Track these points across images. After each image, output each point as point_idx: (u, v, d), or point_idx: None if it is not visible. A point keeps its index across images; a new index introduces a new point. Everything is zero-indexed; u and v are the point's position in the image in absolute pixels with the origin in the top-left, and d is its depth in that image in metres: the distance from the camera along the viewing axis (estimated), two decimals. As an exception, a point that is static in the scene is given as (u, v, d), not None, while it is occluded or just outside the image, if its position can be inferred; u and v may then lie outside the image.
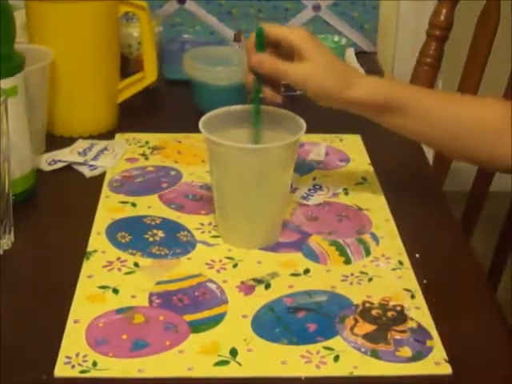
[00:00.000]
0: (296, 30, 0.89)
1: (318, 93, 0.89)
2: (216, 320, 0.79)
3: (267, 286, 0.84)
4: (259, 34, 0.87)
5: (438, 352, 0.76)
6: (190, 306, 0.81)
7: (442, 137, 0.93)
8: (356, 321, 0.79)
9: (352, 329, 0.78)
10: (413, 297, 0.83)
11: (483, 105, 0.94)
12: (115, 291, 0.83)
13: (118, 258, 0.88)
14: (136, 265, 0.87)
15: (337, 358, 0.75)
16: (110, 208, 0.98)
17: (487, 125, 0.92)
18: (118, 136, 1.16)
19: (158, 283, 0.84)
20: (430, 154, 1.22)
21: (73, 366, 0.73)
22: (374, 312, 0.81)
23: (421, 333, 0.78)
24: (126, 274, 0.86)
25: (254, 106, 0.90)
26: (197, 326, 0.78)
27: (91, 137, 1.15)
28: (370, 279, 0.86)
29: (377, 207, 0.99)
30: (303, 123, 0.89)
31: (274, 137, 0.90)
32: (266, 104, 0.91)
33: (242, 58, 1.09)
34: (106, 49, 1.15)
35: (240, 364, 0.74)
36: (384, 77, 1.12)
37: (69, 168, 1.06)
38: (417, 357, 0.75)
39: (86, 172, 1.05)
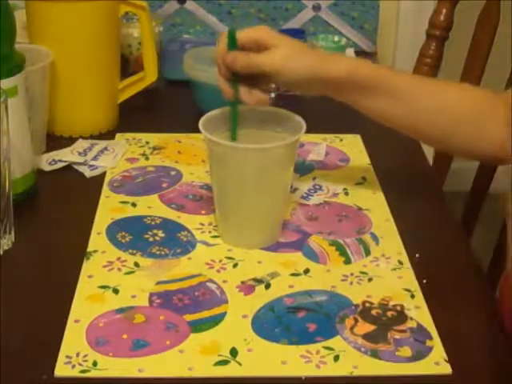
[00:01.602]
0: (258, 27, 0.90)
1: (297, 74, 0.88)
2: (216, 320, 0.79)
3: (267, 286, 0.84)
4: (232, 34, 0.88)
5: (438, 352, 0.76)
6: (190, 306, 0.81)
7: (419, 120, 0.92)
8: (356, 321, 0.79)
9: (352, 329, 0.78)
10: (413, 296, 0.83)
11: (462, 93, 0.93)
12: (115, 291, 0.83)
13: (118, 258, 0.88)
14: (136, 265, 0.87)
15: (337, 358, 0.75)
16: (110, 208, 0.98)
17: (466, 114, 0.91)
18: (118, 136, 1.16)
19: (158, 283, 0.84)
20: (430, 154, 1.22)
21: (73, 366, 0.73)
22: (373, 312, 0.81)
23: (421, 333, 0.78)
24: (126, 273, 0.86)
25: (232, 110, 0.90)
26: (197, 326, 0.78)
27: (91, 137, 1.15)
28: (370, 279, 0.86)
29: (377, 207, 0.99)
30: (303, 123, 0.89)
31: (274, 137, 0.90)
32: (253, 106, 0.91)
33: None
34: (106, 49, 1.15)
35: (240, 364, 0.74)
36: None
37: (69, 168, 1.07)
38: (417, 357, 0.75)
39: (86, 172, 1.05)
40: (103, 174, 1.05)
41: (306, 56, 0.89)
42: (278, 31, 0.90)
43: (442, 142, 0.94)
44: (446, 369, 0.74)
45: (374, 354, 0.75)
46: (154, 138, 1.15)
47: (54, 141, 1.13)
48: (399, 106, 0.91)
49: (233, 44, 0.88)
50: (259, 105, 0.89)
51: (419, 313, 0.81)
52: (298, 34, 1.25)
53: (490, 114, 0.90)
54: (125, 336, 0.77)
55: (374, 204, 1.00)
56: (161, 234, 0.93)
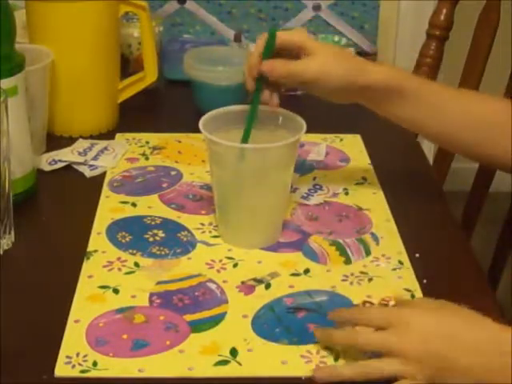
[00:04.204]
0: (296, 31, 0.91)
1: (334, 82, 0.89)
2: (216, 320, 0.79)
3: (267, 286, 0.84)
4: (272, 36, 0.87)
5: (438, 352, 0.76)
6: (190, 306, 0.81)
7: (448, 129, 0.92)
8: (356, 321, 0.79)
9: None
10: (413, 296, 0.83)
11: (486, 99, 0.94)
12: (115, 291, 0.83)
13: (119, 258, 0.88)
14: (136, 265, 0.87)
15: (337, 358, 0.74)
16: (110, 208, 0.98)
17: (491, 119, 0.92)
18: (118, 136, 1.16)
19: (158, 283, 0.84)
20: (430, 154, 1.23)
21: (73, 366, 0.73)
22: (374, 312, 0.81)
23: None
24: (127, 273, 0.86)
25: (252, 107, 0.90)
26: (197, 326, 0.78)
27: (91, 137, 1.15)
28: (370, 279, 0.86)
29: (377, 207, 0.99)
30: (303, 123, 0.89)
31: (274, 137, 0.90)
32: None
33: (243, 57, 1.09)
34: (106, 49, 1.15)
35: (240, 364, 0.74)
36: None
37: (69, 168, 1.07)
38: (417, 357, 0.75)
39: (87, 172, 1.05)
40: (103, 174, 1.05)
41: (344, 65, 0.89)
42: None
43: (474, 151, 0.94)
44: (446, 369, 0.74)
45: (375, 354, 0.75)
46: (154, 138, 1.15)
47: (54, 141, 1.13)
48: (435, 117, 0.92)
49: (272, 44, 0.87)
50: (275, 108, 0.90)
51: (419, 313, 0.81)
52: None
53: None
54: (125, 336, 0.77)
55: (374, 204, 1.00)
56: (161, 233, 0.93)
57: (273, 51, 0.88)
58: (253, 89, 0.89)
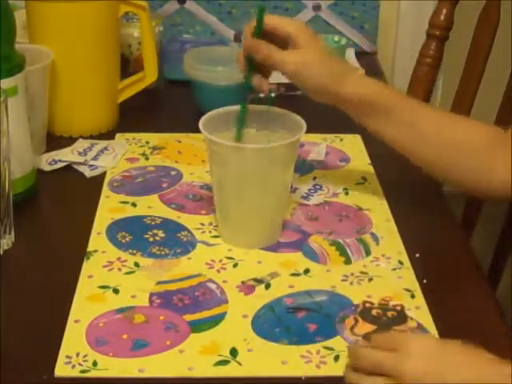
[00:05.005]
0: (295, 21, 0.91)
1: (311, 83, 0.88)
2: (216, 320, 0.79)
3: (267, 286, 0.84)
4: (260, 13, 0.87)
5: (438, 352, 0.76)
6: (190, 306, 0.81)
7: (426, 152, 0.91)
8: (356, 321, 0.79)
9: (352, 329, 0.78)
10: (413, 296, 0.83)
11: (470, 126, 0.91)
12: (115, 291, 0.83)
13: (119, 258, 0.88)
14: (136, 265, 0.87)
15: (337, 358, 0.75)
16: (110, 208, 0.98)
17: (473, 147, 0.89)
18: (118, 136, 1.16)
19: (159, 283, 0.84)
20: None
21: (73, 366, 0.73)
22: (374, 312, 0.81)
23: (421, 332, 0.78)
24: (127, 273, 0.86)
25: (242, 105, 0.90)
26: (197, 326, 0.78)
27: (91, 137, 1.15)
28: (370, 279, 0.86)
29: (377, 207, 0.99)
30: (303, 123, 0.89)
31: (274, 137, 0.90)
32: (255, 91, 0.90)
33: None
34: (106, 49, 1.15)
35: (240, 364, 0.74)
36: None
37: (69, 168, 1.07)
38: (417, 357, 0.75)
39: (86, 172, 1.05)
40: (103, 174, 1.05)
41: (327, 66, 0.88)
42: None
43: (449, 173, 0.91)
44: (446, 369, 0.74)
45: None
46: (154, 138, 1.15)
47: (54, 141, 1.13)
48: (410, 136, 0.90)
49: (261, 21, 0.87)
50: (265, 93, 0.90)
51: (419, 313, 0.81)
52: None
53: (500, 147, 0.88)
54: (125, 336, 0.77)
55: (374, 204, 1.00)
56: (161, 234, 0.93)
57: (260, 30, 0.87)
58: (244, 68, 0.89)
